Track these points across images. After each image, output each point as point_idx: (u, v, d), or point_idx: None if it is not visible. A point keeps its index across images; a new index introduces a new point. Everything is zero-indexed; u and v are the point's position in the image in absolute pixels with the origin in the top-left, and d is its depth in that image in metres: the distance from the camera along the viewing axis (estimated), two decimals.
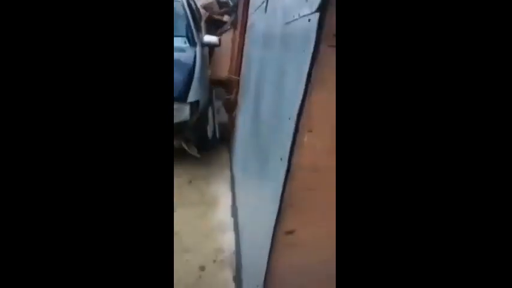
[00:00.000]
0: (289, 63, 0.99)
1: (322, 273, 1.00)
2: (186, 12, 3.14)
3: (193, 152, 2.58)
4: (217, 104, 3.50)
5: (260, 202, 1.29)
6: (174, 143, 2.44)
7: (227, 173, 2.60)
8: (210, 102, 2.86)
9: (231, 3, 5.61)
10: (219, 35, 3.84)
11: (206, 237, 1.88)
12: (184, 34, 2.89)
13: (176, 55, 2.47)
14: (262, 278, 1.05)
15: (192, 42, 2.86)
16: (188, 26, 3.02)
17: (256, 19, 2.05)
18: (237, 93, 3.02)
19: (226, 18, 5.55)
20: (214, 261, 1.73)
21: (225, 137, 3.15)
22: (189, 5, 3.41)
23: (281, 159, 0.94)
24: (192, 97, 2.35)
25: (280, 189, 0.92)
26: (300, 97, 0.80)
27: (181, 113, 2.29)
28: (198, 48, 2.81)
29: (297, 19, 0.94)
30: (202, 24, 4.41)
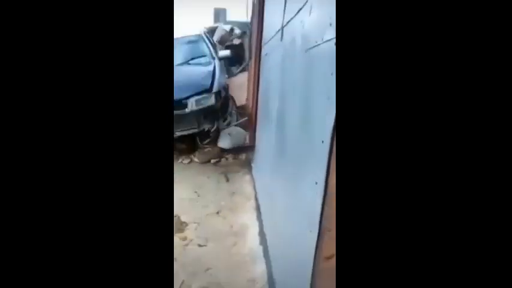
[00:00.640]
0: (317, 88, 1.00)
1: None
2: (205, 40, 4.94)
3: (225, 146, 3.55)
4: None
5: (293, 228, 1.26)
6: (206, 128, 3.58)
7: (252, 201, 2.58)
8: (227, 93, 4.14)
9: (237, 32, 6.39)
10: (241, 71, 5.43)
11: (238, 268, 1.84)
12: (206, 54, 4.60)
13: (202, 67, 4.13)
14: None
15: (212, 58, 4.47)
16: (208, 48, 4.74)
17: (272, 48, 2.11)
18: (253, 115, 3.14)
19: (236, 41, 6.36)
20: None
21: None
22: (207, 36, 5.21)
23: (316, 183, 0.92)
24: (215, 89, 3.65)
25: (318, 213, 0.91)
26: (333, 119, 0.80)
27: (210, 99, 3.55)
28: (216, 61, 4.35)
29: (319, 44, 0.96)
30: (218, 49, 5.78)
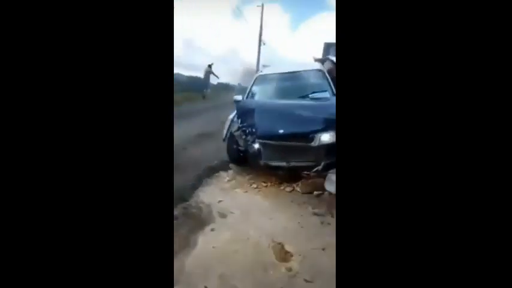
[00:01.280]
0: None
1: None
2: (326, 76, 4.73)
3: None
4: None
5: None
6: (324, 162, 3.42)
7: None
8: None
9: None
10: None
11: None
12: (327, 89, 4.40)
13: (324, 103, 3.94)
14: None
15: (333, 94, 4.28)
16: (328, 84, 4.51)
17: None
18: None
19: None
20: None
21: None
22: (327, 71, 5.03)
23: None
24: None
25: None
26: None
27: (330, 137, 3.30)
28: (334, 98, 4.00)
29: None
30: None
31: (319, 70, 4.93)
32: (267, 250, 2.25)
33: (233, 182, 3.69)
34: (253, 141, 3.63)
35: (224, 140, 4.27)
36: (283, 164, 3.51)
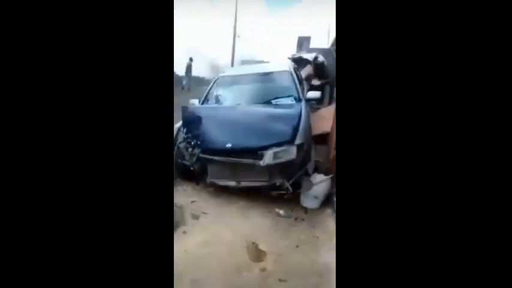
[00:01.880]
0: None
1: None
2: (293, 79, 4.04)
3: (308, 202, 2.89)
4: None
5: None
6: (278, 182, 2.95)
7: (334, 241, 2.41)
8: (311, 143, 3.36)
9: (321, 60, 6.03)
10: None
11: None
12: (292, 94, 3.77)
13: (285, 111, 3.43)
14: None
15: (298, 100, 3.69)
16: (295, 88, 3.87)
17: None
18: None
19: (315, 82, 6.00)
20: None
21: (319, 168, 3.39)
22: (295, 72, 4.36)
23: None
24: (298, 140, 2.95)
25: None
26: None
27: (290, 153, 2.90)
28: (302, 103, 3.57)
29: None
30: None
31: (287, 71, 4.22)
32: (241, 251, 2.22)
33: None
34: (198, 156, 3.09)
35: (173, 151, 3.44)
36: (233, 183, 3.01)
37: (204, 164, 3.10)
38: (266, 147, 2.84)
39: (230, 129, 3.17)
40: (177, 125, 3.57)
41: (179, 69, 11.50)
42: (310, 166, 3.22)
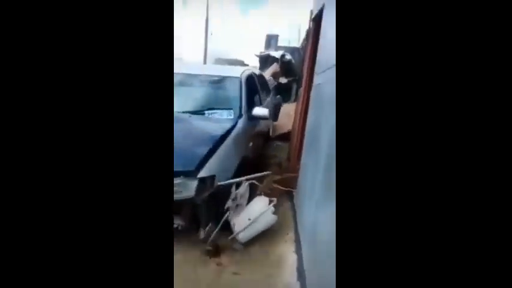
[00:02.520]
0: None
1: None
2: (241, 88, 3.33)
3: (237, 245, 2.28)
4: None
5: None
6: (175, 221, 2.17)
7: (291, 234, 2.50)
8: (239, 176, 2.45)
9: (288, 58, 6.11)
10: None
11: None
12: (232, 107, 3.10)
13: (211, 128, 2.62)
14: None
15: (239, 115, 3.03)
16: (239, 100, 3.20)
17: (324, 78, 2.08)
18: (298, 144, 3.04)
19: (282, 80, 6.04)
20: None
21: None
22: (248, 80, 3.62)
23: None
24: (205, 172, 2.11)
25: None
26: None
27: (188, 188, 2.04)
28: (240, 120, 2.92)
29: None
30: (272, 91, 4.85)
31: (237, 78, 3.47)
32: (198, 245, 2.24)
33: None
34: None
35: None
36: None
37: None
38: (177, 174, 2.02)
39: None
40: None
41: None
42: (244, 198, 2.47)
